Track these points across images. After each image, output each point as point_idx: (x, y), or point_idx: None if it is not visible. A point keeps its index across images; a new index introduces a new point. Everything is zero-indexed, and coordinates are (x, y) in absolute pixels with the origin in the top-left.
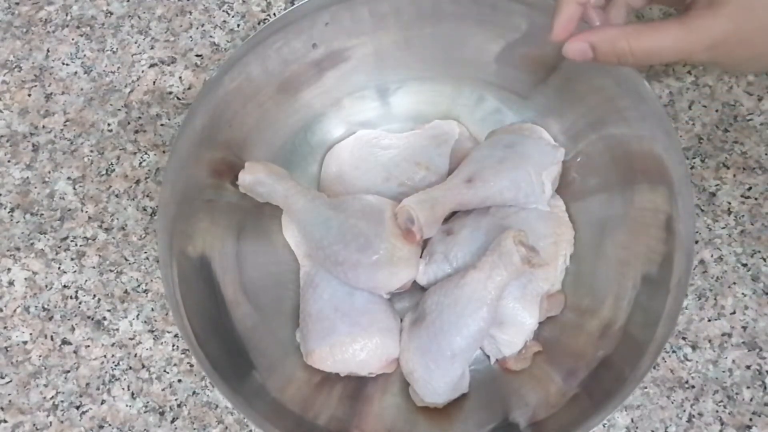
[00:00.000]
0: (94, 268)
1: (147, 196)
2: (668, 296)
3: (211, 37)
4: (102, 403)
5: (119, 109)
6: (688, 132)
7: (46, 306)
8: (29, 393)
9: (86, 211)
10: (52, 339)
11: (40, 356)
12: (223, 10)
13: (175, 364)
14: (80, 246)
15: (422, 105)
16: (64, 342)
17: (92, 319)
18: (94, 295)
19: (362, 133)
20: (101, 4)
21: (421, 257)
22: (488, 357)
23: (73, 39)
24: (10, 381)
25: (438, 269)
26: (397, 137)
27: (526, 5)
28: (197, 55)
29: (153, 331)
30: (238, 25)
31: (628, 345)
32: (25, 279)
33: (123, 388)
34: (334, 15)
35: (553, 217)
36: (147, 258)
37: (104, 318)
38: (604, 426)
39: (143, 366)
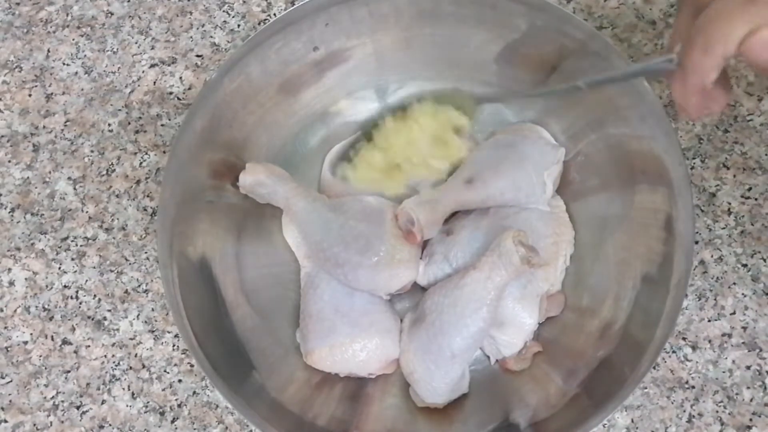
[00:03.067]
0: (94, 268)
1: (147, 196)
2: (668, 296)
3: (211, 37)
4: (102, 403)
5: (120, 110)
6: (688, 132)
7: (46, 306)
8: (29, 393)
9: (87, 212)
10: (52, 339)
11: (40, 356)
12: (224, 11)
13: (175, 364)
14: (81, 246)
15: None
16: (65, 342)
17: (92, 319)
18: (95, 295)
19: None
20: (102, 4)
21: (421, 258)
22: (488, 357)
23: (73, 39)
24: (11, 381)
25: (438, 270)
26: None
27: (526, 5)
28: (198, 56)
29: (153, 331)
30: (239, 26)
31: (628, 345)
32: (26, 279)
33: (123, 388)
34: (334, 15)
35: (553, 217)
36: (147, 258)
37: (105, 318)
38: (604, 426)
39: (143, 366)
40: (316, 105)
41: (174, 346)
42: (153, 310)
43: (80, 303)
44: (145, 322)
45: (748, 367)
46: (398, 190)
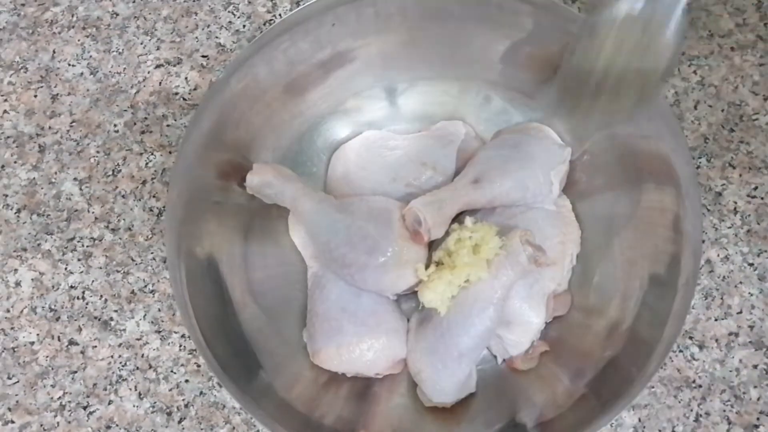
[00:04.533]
0: (100, 268)
1: (153, 196)
2: (676, 296)
3: (216, 37)
4: (109, 404)
5: (125, 110)
6: (694, 132)
7: (53, 306)
8: (36, 393)
9: (93, 212)
10: (59, 339)
11: (47, 357)
12: (229, 11)
13: (182, 365)
14: (87, 246)
15: (428, 105)
16: (71, 342)
17: (99, 319)
18: (101, 296)
19: (369, 133)
20: (107, 5)
21: (428, 258)
22: (495, 357)
23: (79, 40)
24: (18, 381)
25: None
26: (404, 138)
27: (531, 5)
28: (203, 56)
29: (160, 332)
30: (244, 26)
31: (635, 345)
32: (32, 280)
33: (130, 389)
34: (340, 16)
35: (559, 216)
36: (153, 258)
37: (111, 318)
38: (611, 426)
39: (150, 366)
40: (323, 105)
41: (181, 346)
42: (159, 310)
43: (87, 303)
44: (152, 322)
45: (755, 366)
46: None
